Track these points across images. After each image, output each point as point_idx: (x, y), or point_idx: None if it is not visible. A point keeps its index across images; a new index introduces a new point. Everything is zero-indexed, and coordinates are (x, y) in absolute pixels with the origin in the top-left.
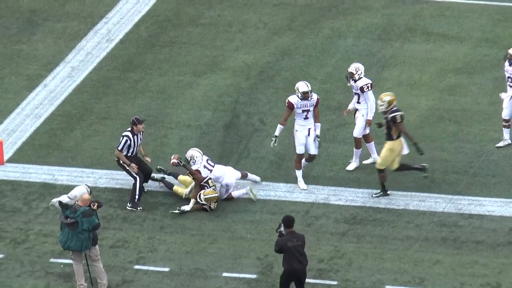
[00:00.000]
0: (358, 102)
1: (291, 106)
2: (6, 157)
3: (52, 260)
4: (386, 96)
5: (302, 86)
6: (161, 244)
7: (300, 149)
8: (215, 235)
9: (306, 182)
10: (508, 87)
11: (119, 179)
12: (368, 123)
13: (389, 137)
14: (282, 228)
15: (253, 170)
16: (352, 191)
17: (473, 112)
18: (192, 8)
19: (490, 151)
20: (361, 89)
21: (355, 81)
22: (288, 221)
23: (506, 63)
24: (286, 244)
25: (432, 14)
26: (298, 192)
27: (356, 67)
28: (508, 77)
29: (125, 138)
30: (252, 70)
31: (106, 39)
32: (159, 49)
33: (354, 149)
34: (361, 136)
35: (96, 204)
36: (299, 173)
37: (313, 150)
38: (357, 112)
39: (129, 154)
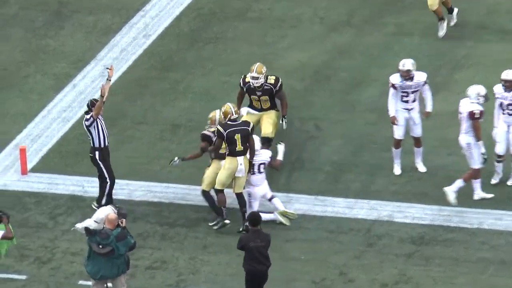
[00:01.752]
0: (414, 101)
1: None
2: (30, 166)
3: (81, 282)
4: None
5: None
6: (203, 265)
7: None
8: None
9: (366, 197)
10: (505, 117)
11: (157, 191)
12: (428, 115)
13: None
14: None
15: (308, 182)
16: (420, 207)
17: None
18: (239, 0)
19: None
20: (425, 82)
21: (412, 78)
22: (254, 219)
23: (500, 89)
24: (249, 243)
25: (509, 10)
26: (359, 208)
27: (413, 62)
28: (509, 104)
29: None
30: (306, 70)
31: (143, 35)
32: (202, 45)
33: (416, 148)
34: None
35: (124, 219)
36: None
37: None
38: (412, 112)
39: (102, 146)
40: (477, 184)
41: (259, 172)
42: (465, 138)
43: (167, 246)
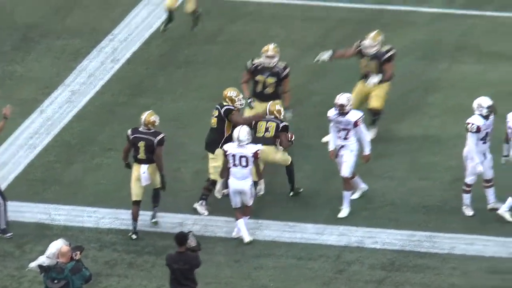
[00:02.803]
0: (345, 138)
1: None
2: None
3: None
4: None
5: None
6: None
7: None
8: (233, 283)
9: (336, 222)
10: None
11: (125, 219)
12: (367, 159)
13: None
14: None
15: (277, 209)
16: (390, 232)
17: None
18: (211, 22)
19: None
20: (356, 123)
21: (345, 114)
22: (178, 239)
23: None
24: (172, 265)
25: (485, 30)
26: (329, 234)
27: (348, 97)
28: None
29: None
30: None
31: (111, 59)
32: (173, 70)
33: (345, 192)
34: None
35: (78, 252)
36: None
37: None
38: (343, 149)
39: None
40: None
41: (240, 165)
42: None
43: (134, 274)
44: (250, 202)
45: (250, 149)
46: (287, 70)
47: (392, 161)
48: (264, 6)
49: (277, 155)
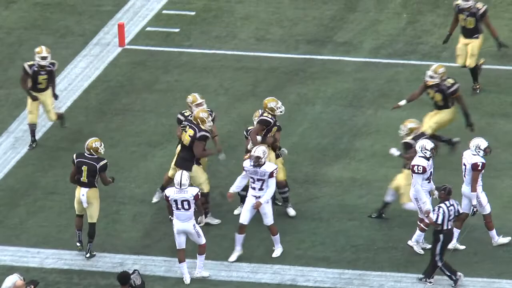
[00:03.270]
0: (261, 189)
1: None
2: None
3: None
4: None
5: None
6: None
7: None
8: None
9: (270, 261)
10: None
11: (67, 259)
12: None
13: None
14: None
15: (213, 248)
16: (322, 271)
17: (455, 184)
18: (147, 73)
19: (471, 227)
20: (271, 174)
21: (261, 166)
22: (120, 278)
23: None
24: None
25: (408, 78)
26: (262, 272)
27: (264, 150)
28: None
29: None
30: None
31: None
32: (111, 117)
33: (274, 236)
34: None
35: (32, 286)
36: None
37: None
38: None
39: None
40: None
41: (183, 208)
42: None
43: None
44: (201, 241)
45: (190, 192)
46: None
47: (322, 203)
48: (197, 56)
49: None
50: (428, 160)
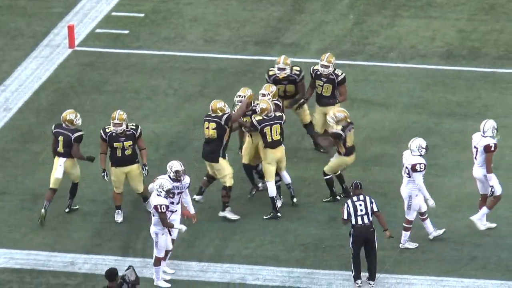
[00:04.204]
0: (178, 203)
1: None
2: None
3: None
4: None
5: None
6: None
7: None
8: None
9: (220, 260)
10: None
11: (19, 258)
12: (193, 217)
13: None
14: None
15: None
16: (271, 269)
17: (400, 183)
18: (96, 74)
19: (419, 225)
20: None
21: (181, 181)
22: (108, 274)
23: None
24: None
25: (356, 79)
26: (212, 271)
27: (179, 166)
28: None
29: None
30: (161, 140)
31: (4, 108)
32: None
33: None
34: None
35: None
36: None
37: None
38: (174, 214)
39: None
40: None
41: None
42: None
43: None
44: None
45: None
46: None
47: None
48: (147, 57)
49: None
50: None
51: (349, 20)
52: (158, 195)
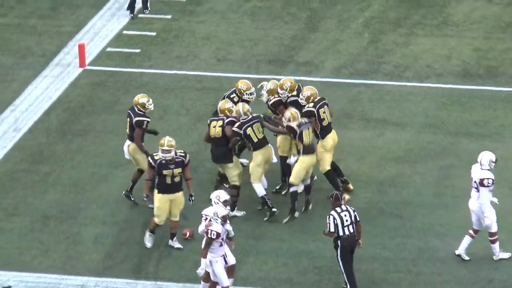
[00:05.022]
0: None
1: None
2: None
3: None
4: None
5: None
6: None
7: None
8: None
9: (233, 283)
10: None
11: (29, 281)
12: None
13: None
14: None
15: (176, 270)
16: None
17: (416, 204)
18: (107, 93)
19: (435, 247)
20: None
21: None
22: None
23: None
24: None
25: (371, 98)
26: None
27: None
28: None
29: None
30: None
31: (13, 128)
32: (72, 138)
33: None
34: None
35: None
36: None
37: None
38: None
39: None
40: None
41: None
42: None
43: None
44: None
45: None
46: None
47: (282, 223)
48: (158, 76)
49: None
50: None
51: (364, 38)
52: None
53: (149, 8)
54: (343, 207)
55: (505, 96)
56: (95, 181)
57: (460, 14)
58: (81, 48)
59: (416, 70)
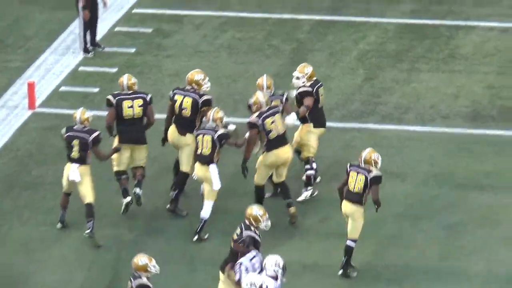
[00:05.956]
0: None
1: None
2: None
3: None
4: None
5: None
6: None
7: None
8: None
9: None
10: None
11: None
12: None
13: None
14: None
15: None
16: None
17: (419, 268)
18: (60, 140)
19: None
20: None
21: None
22: None
23: None
24: None
25: (366, 144)
26: None
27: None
28: None
29: None
30: (137, 218)
31: None
32: (20, 191)
33: None
34: None
35: None
36: None
37: None
38: None
39: None
40: None
41: None
42: None
43: None
44: None
45: None
46: None
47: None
48: None
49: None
50: None
51: (358, 75)
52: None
53: (102, 46)
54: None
55: None
56: (46, 241)
57: (469, 46)
58: (31, 87)
59: (419, 111)
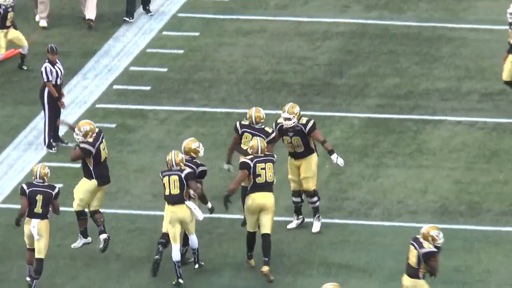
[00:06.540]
0: None
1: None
2: None
3: None
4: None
5: None
6: None
7: None
8: None
9: None
10: None
11: None
12: None
13: None
14: None
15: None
16: None
17: None
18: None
19: None
20: None
21: None
22: None
23: None
24: None
25: (332, 241)
26: None
27: None
28: None
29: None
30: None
31: None
32: None
33: None
34: None
35: None
36: None
37: None
38: None
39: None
40: None
41: None
42: None
43: None
44: None
45: None
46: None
47: None
48: None
49: None
50: None
51: (324, 170)
52: None
53: (65, 141)
54: None
55: (490, 237)
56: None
57: (437, 141)
58: None
59: (386, 207)
